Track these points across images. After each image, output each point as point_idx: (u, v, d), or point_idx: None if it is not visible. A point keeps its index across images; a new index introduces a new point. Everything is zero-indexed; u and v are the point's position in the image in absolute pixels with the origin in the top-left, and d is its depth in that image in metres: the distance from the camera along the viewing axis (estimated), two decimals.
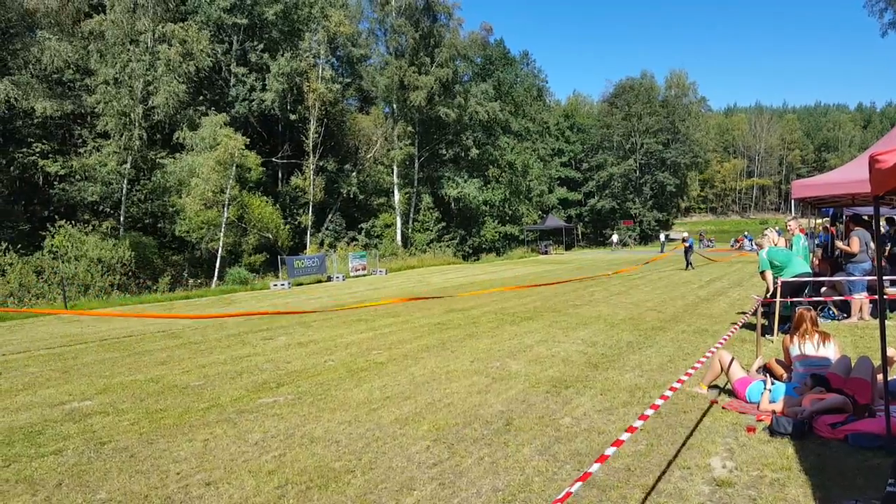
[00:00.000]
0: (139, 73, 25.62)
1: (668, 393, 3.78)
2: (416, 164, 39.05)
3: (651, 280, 17.50)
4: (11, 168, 25.78)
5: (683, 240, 23.66)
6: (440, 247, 37.96)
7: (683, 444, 3.97)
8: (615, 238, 52.84)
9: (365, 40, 39.06)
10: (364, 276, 25.52)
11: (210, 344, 9.07)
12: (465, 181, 40.35)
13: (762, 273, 8.00)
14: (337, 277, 23.61)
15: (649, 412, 3.36)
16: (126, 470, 3.92)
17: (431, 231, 38.31)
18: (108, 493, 3.57)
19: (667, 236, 51.07)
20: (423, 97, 35.93)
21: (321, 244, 32.76)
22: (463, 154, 41.53)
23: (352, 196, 36.24)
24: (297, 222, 32.74)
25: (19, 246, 20.25)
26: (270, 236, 28.35)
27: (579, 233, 62.88)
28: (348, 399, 5.50)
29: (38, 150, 25.77)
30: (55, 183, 26.30)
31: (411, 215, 38.81)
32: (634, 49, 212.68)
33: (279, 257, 24.28)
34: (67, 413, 5.40)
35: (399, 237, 37.21)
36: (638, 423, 3.20)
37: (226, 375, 6.73)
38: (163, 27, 26.27)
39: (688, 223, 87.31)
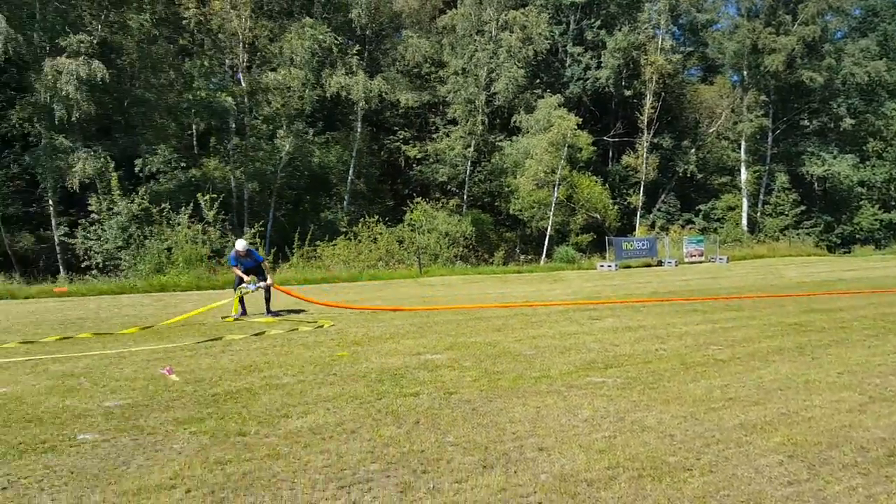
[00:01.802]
0: (483, 62, 27.91)
1: None
2: (770, 139, 34.04)
3: None
4: (381, 152, 31.71)
5: None
6: (798, 235, 32.70)
7: None
8: None
9: (712, 4, 35.37)
10: (700, 262, 23.51)
11: (539, 318, 9.53)
12: (835, 157, 33.70)
13: None
14: (668, 262, 22.32)
15: None
16: (469, 420, 4.31)
17: (787, 216, 33.17)
18: (455, 437, 3.98)
19: None
20: (781, 61, 30.85)
21: (651, 226, 31.31)
22: (832, 125, 35.26)
23: (688, 175, 33.51)
24: (626, 202, 31.99)
25: (387, 219, 24.59)
26: (598, 216, 28.37)
27: None
28: (683, 393, 5.03)
29: (401, 136, 30.87)
30: (413, 165, 31.27)
31: (761, 197, 34.33)
32: None
33: (606, 238, 24.17)
34: (422, 363, 6.28)
35: (745, 221, 33.27)
36: None
37: (554, 349, 6.91)
38: (505, 15, 28.27)
39: None
